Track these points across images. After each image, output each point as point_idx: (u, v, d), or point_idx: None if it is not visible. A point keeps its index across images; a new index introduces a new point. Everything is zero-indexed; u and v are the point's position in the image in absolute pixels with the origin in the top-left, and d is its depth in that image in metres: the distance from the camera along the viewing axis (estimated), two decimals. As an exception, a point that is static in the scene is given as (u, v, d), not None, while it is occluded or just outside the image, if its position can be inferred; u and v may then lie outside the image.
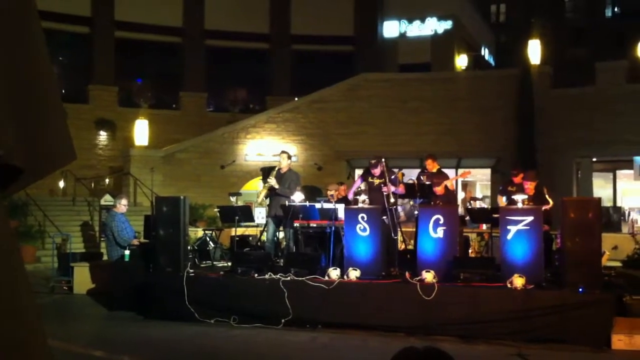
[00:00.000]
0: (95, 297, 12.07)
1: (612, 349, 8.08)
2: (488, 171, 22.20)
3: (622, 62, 21.09)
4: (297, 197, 11.42)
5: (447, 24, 28.72)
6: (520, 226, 9.10)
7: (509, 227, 9.18)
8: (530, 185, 11.11)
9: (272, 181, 11.52)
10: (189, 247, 11.43)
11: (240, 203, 13.20)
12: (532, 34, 21.21)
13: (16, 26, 1.54)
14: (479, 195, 23.64)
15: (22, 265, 1.57)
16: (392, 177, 11.18)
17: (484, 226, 13.11)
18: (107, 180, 23.06)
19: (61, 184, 21.45)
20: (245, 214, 12.24)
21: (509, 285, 8.71)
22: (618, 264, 12.00)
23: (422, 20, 28.85)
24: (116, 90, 26.48)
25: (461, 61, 29.43)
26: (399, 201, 12.66)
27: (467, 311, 8.79)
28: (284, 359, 8.09)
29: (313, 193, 14.25)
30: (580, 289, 8.43)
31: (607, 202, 19.95)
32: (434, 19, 28.74)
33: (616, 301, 8.73)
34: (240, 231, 12.91)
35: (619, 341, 8.12)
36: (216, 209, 13.28)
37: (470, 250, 12.79)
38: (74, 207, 18.72)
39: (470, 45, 31.93)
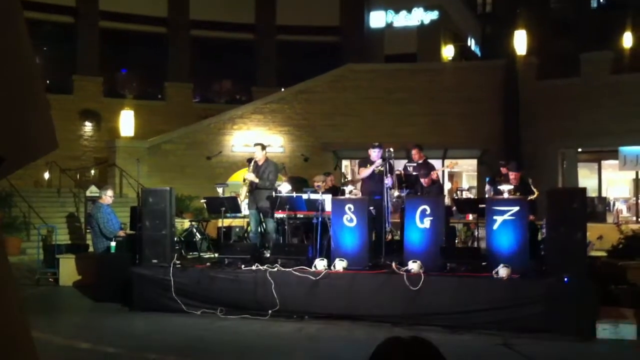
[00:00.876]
0: (81, 289, 12.03)
1: (597, 338, 8.15)
2: (474, 162, 22.28)
3: (607, 53, 21.18)
4: (284, 188, 11.40)
5: (434, 15, 28.71)
6: (506, 216, 9.15)
7: (495, 218, 9.23)
8: (514, 176, 11.18)
9: (251, 176, 11.47)
10: (175, 239, 11.41)
11: (227, 194, 13.15)
12: (518, 25, 21.20)
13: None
14: (465, 185, 23.73)
15: (5, 257, 1.55)
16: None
17: (470, 216, 13.16)
18: (92, 172, 22.93)
19: (46, 175, 21.29)
20: (232, 205, 12.20)
21: (495, 275, 8.76)
22: (603, 253, 12.09)
23: (409, 11, 28.81)
24: (101, 81, 26.26)
25: (447, 52, 29.45)
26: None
27: (454, 301, 8.83)
28: (270, 349, 8.09)
29: (300, 184, 14.23)
30: (566, 279, 8.48)
31: (592, 193, 20.06)
32: (421, 10, 28.70)
33: (601, 291, 8.81)
34: (227, 222, 12.88)
35: (604, 330, 8.19)
36: (203, 200, 13.22)
37: (456, 241, 12.86)
38: (59, 198, 18.59)
39: (457, 35, 31.96)
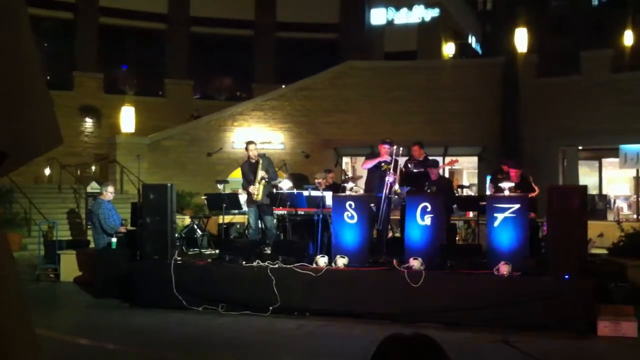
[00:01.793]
0: (81, 284, 12.03)
1: (597, 335, 8.17)
2: (475, 159, 22.28)
3: (607, 51, 21.19)
4: (285, 185, 11.41)
5: (434, 12, 28.68)
6: (507, 214, 9.15)
7: (495, 215, 9.24)
8: (515, 173, 11.16)
9: (261, 173, 11.45)
10: (176, 235, 11.41)
11: (227, 190, 13.16)
12: (518, 23, 21.20)
13: (1, 13, 1.52)
14: (465, 183, 23.72)
15: (10, 253, 1.55)
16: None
17: (471, 214, 13.18)
18: (93, 168, 22.94)
19: (47, 171, 21.32)
20: (233, 201, 12.22)
21: (495, 273, 8.77)
22: (604, 251, 12.10)
23: (410, 8, 28.79)
24: (101, 77, 26.28)
25: (448, 49, 29.43)
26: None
27: (454, 298, 8.84)
28: (270, 346, 8.10)
29: (300, 180, 14.24)
30: (566, 276, 8.50)
31: (592, 190, 20.07)
32: (421, 7, 28.68)
33: (601, 288, 8.82)
34: (227, 219, 12.89)
35: (605, 327, 8.20)
36: (203, 197, 13.24)
37: (457, 238, 12.87)
38: (59, 194, 18.60)
39: (457, 33, 31.94)
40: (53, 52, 27.04)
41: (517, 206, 9.17)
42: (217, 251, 11.38)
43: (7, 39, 1.53)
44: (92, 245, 13.29)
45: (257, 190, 11.39)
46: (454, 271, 9.15)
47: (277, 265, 9.60)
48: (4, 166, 1.57)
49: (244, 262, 9.89)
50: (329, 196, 10.70)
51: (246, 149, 11.78)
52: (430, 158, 12.37)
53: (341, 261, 9.52)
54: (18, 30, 1.57)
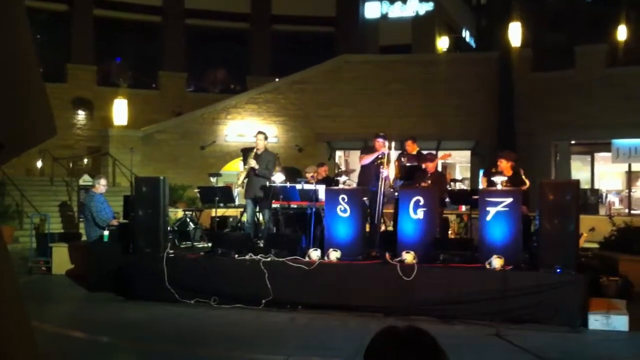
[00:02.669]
0: (73, 277, 12.01)
1: (588, 329, 8.20)
2: (468, 153, 22.32)
3: (602, 46, 21.21)
4: (278, 178, 11.40)
5: (429, 6, 28.66)
6: (499, 208, 9.16)
7: (488, 209, 9.25)
8: (506, 165, 11.07)
9: (252, 162, 11.48)
10: (168, 228, 11.39)
11: (220, 184, 13.14)
12: (512, 17, 21.19)
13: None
14: (458, 177, 23.74)
15: (4, 246, 1.55)
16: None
17: (464, 208, 13.18)
18: (85, 160, 22.86)
19: (39, 163, 21.23)
20: (226, 194, 12.20)
21: (487, 267, 8.79)
22: (595, 245, 12.14)
23: (404, 2, 28.75)
24: (94, 70, 26.17)
25: (442, 43, 29.40)
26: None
27: (447, 292, 8.87)
28: (263, 339, 8.11)
29: (293, 174, 14.24)
30: (558, 270, 8.53)
31: (584, 185, 20.11)
32: (416, 1, 28.66)
33: (593, 282, 8.86)
34: (220, 212, 12.88)
35: (596, 321, 8.24)
36: (196, 190, 13.23)
37: (449, 232, 12.88)
38: (51, 187, 18.53)
39: (451, 27, 31.92)
40: (47, 44, 26.88)
41: (509, 200, 9.18)
42: (209, 244, 11.37)
43: (4, 30, 1.52)
44: (84, 238, 13.26)
45: (240, 175, 11.55)
46: (447, 265, 9.17)
47: (269, 259, 9.60)
48: (0, 156, 1.56)
49: (236, 256, 9.89)
50: (322, 190, 10.70)
51: (255, 136, 12.04)
52: (425, 152, 12.38)
53: (334, 255, 9.53)
54: (15, 21, 1.56)
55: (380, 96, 21.90)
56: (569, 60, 21.30)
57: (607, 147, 20.56)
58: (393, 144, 11.17)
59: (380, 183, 10.77)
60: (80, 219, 14.48)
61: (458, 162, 24.74)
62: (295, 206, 11.43)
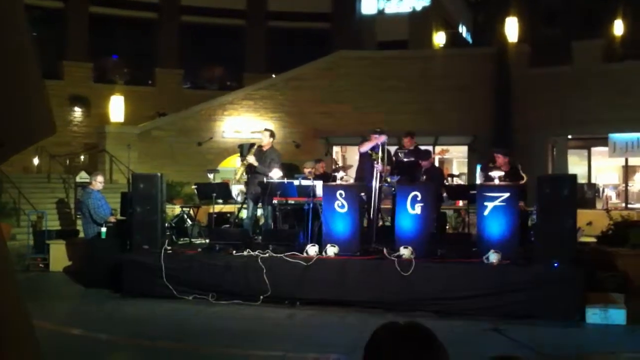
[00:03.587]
0: (71, 274, 12.01)
1: (586, 323, 8.22)
2: (465, 148, 22.30)
3: (598, 41, 21.21)
4: (276, 174, 11.38)
5: (425, 1, 28.58)
6: (496, 202, 9.17)
7: (485, 204, 9.26)
8: (502, 160, 11.07)
9: (251, 159, 11.41)
10: (166, 225, 11.38)
11: (217, 180, 13.13)
12: (509, 12, 21.17)
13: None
14: (455, 172, 23.74)
15: (3, 243, 1.55)
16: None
17: (461, 203, 13.19)
18: (82, 157, 22.81)
19: (35, 160, 21.19)
20: (223, 191, 12.20)
21: (485, 261, 8.80)
22: (592, 239, 12.15)
23: (400, -3, 28.71)
24: (90, 67, 26.13)
25: (439, 39, 29.34)
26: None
27: (444, 287, 8.88)
28: (261, 335, 8.10)
29: (291, 170, 14.22)
30: (555, 264, 8.54)
31: (582, 179, 20.10)
32: (412, -4, 28.61)
33: (590, 276, 8.87)
34: (217, 208, 12.87)
35: (594, 315, 8.26)
36: (194, 186, 13.21)
37: (447, 227, 12.90)
38: (48, 184, 18.49)
39: (448, 22, 31.85)
40: (43, 41, 26.78)
41: (507, 195, 9.20)
42: (207, 240, 11.36)
43: (3, 29, 1.51)
44: (81, 235, 13.24)
45: (237, 170, 11.55)
46: (444, 260, 9.18)
47: (267, 255, 9.60)
48: (0, 154, 1.56)
49: (234, 252, 9.89)
50: (319, 185, 10.69)
51: (261, 132, 12.08)
52: (422, 148, 12.37)
53: (331, 250, 9.53)
54: (14, 20, 1.56)
55: (377, 92, 21.86)
56: (565, 56, 21.29)
57: (604, 142, 20.57)
58: (387, 138, 11.14)
59: (374, 177, 10.77)
60: (78, 216, 14.46)
61: (455, 158, 24.73)
62: (293, 202, 11.42)
